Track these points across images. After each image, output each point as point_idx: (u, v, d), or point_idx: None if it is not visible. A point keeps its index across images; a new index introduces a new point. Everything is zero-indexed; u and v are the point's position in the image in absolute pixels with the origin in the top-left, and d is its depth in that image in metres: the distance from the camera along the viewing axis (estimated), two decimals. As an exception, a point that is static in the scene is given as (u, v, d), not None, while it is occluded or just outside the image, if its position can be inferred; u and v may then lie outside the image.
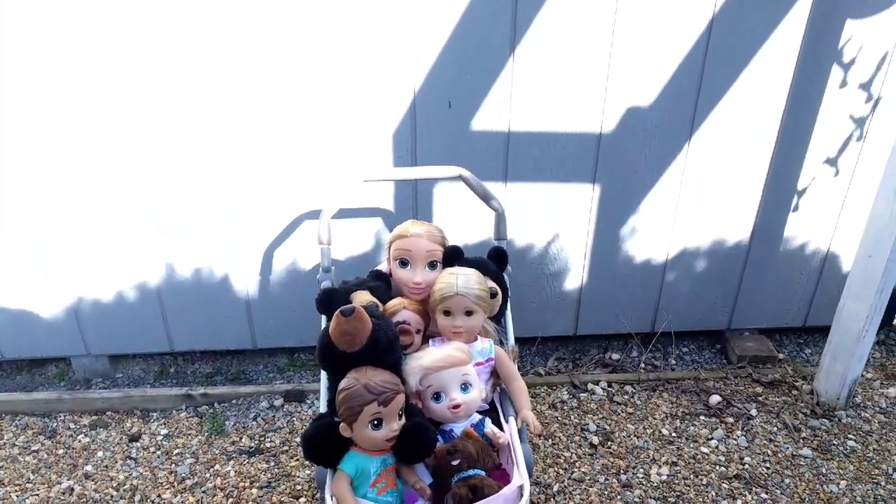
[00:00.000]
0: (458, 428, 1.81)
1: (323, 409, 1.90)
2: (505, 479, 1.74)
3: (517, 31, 2.45)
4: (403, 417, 1.69)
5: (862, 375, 3.00)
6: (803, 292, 3.11)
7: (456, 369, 1.81)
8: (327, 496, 1.62)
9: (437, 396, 1.81)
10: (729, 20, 2.50)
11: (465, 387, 1.82)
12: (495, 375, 2.02)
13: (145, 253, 2.73)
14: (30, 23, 2.30)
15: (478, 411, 1.89)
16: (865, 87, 2.63)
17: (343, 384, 1.65)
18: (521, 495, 1.63)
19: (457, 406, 1.79)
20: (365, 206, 2.70)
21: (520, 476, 1.68)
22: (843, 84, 2.62)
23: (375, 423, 1.62)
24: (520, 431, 1.87)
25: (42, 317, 2.83)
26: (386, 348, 1.74)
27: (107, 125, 2.48)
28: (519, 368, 2.04)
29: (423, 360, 1.81)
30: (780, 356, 3.18)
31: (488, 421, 1.86)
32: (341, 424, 1.64)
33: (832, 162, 2.77)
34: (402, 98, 2.53)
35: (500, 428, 1.88)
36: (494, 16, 2.43)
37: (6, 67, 2.36)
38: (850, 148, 2.75)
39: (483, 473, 1.70)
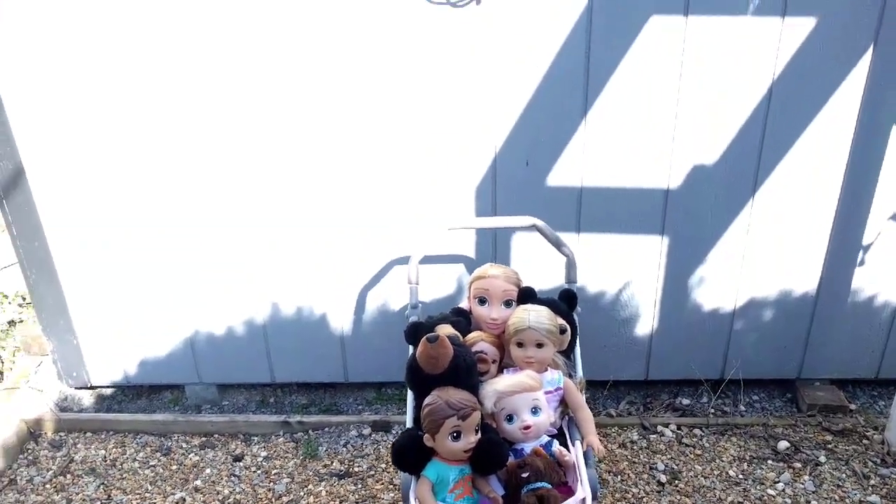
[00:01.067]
0: (528, 447, 2.02)
1: (409, 424, 2.15)
2: (569, 493, 1.93)
3: (588, 96, 2.72)
4: (480, 433, 1.92)
5: (935, 427, 3.03)
6: (874, 344, 3.17)
7: (527, 394, 2.03)
8: (412, 498, 1.86)
9: (509, 418, 2.03)
10: (788, 85, 2.69)
11: (535, 410, 2.03)
12: (564, 404, 2.22)
13: (254, 291, 3.08)
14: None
15: (547, 434, 2.10)
16: (927, 142, 2.75)
17: (427, 400, 1.90)
18: (584, 506, 1.82)
19: (527, 427, 2.01)
20: (450, 253, 2.98)
21: (583, 490, 1.87)
22: (905, 139, 2.75)
23: (455, 435, 1.86)
24: (585, 456, 2.06)
25: (163, 347, 3.20)
26: (465, 372, 1.98)
27: (225, 172, 2.87)
28: (590, 407, 2.23)
29: (498, 385, 2.04)
30: (852, 407, 3.23)
31: (556, 442, 2.06)
32: (425, 436, 1.89)
33: (896, 218, 2.88)
34: (484, 157, 2.82)
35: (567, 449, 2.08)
36: (569, 84, 2.70)
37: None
38: (916, 203, 2.86)
39: (549, 486, 1.90)
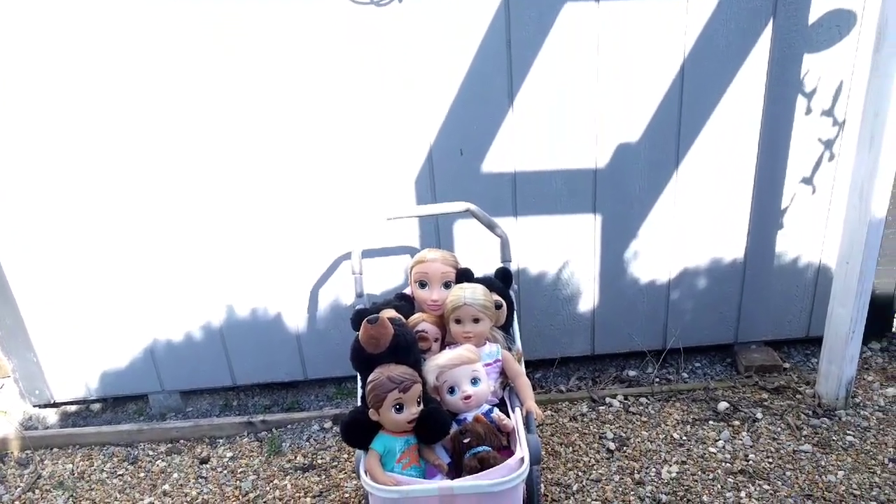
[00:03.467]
0: (470, 416, 2.15)
1: (359, 403, 2.27)
2: (510, 456, 2.07)
3: (513, 83, 2.86)
4: (422, 405, 2.04)
5: (863, 378, 3.22)
6: (801, 304, 3.36)
7: (466, 366, 2.16)
8: (361, 472, 1.97)
9: (451, 390, 2.16)
10: (698, 62, 2.87)
11: (474, 381, 2.16)
12: (504, 375, 2.36)
13: (209, 296, 3.17)
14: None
15: (488, 404, 2.23)
16: (828, 112, 2.94)
17: (370, 377, 2.02)
18: (521, 464, 1.94)
19: (468, 397, 2.14)
20: (396, 245, 3.10)
21: (521, 450, 2.00)
22: (808, 111, 2.94)
23: (398, 407, 1.98)
24: (527, 420, 2.19)
25: (123, 358, 3.27)
26: (405, 350, 2.11)
27: (173, 180, 2.96)
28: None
29: (439, 360, 2.18)
30: (786, 365, 3.41)
31: (496, 409, 2.20)
32: (370, 410, 2.01)
33: (808, 181, 3.06)
34: (419, 149, 2.95)
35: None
36: (495, 73, 2.84)
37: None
38: (823, 168, 3.04)
39: (490, 449, 2.03)
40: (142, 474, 3.07)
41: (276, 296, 3.20)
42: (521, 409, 2.21)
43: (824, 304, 3.26)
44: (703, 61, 2.87)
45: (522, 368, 2.36)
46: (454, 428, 2.10)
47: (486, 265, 3.03)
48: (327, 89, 2.83)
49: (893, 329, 3.55)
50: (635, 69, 2.87)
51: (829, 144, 3.02)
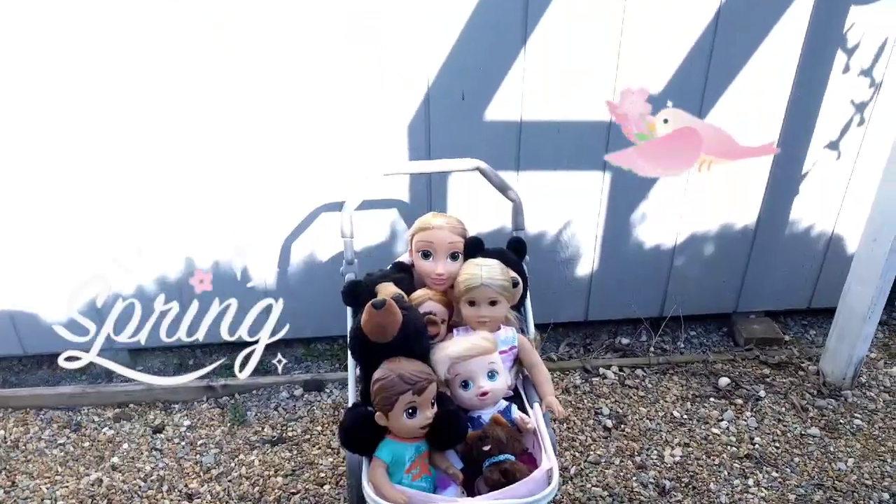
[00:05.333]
0: (485, 415, 1.87)
1: (352, 399, 1.96)
2: (532, 463, 1.80)
3: (528, 22, 2.49)
4: (436, 406, 1.74)
5: (866, 355, 3.08)
6: (808, 275, 3.18)
7: (483, 358, 1.86)
8: (365, 483, 1.68)
9: (465, 384, 1.86)
10: (736, 7, 2.55)
11: (491, 375, 1.87)
12: (518, 363, 2.08)
13: (165, 246, 2.77)
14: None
15: (503, 398, 1.95)
16: (867, 72, 2.69)
17: (378, 375, 1.71)
18: (550, 479, 1.68)
19: (484, 393, 1.85)
20: (381, 198, 2.74)
21: (548, 460, 1.73)
22: (846, 69, 2.68)
23: (410, 411, 1.68)
24: (544, 416, 1.93)
25: (64, 311, 2.86)
26: (416, 338, 1.79)
27: (126, 116, 2.52)
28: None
29: (451, 349, 1.86)
30: (786, 338, 3.26)
31: (515, 407, 1.92)
32: (377, 413, 1.70)
33: (834, 146, 2.83)
34: (416, 90, 2.57)
35: (524, 412, 1.95)
36: (508, 7, 2.46)
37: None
38: (850, 132, 2.81)
39: (513, 458, 1.76)
40: (86, 444, 2.72)
41: (242, 249, 2.82)
42: (541, 405, 1.94)
43: (832, 275, 3.11)
44: (742, 8, 2.54)
45: (539, 356, 2.08)
46: (469, 430, 1.81)
47: (483, 227, 2.74)
48: (313, 10, 2.40)
49: (896, 303, 3.42)
50: (665, 15, 2.53)
51: (861, 107, 2.77)
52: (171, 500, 2.46)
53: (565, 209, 2.88)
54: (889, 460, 2.60)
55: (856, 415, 2.81)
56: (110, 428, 2.80)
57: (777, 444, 2.67)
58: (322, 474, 2.56)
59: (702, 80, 2.66)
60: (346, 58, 2.49)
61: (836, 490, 2.48)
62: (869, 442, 2.69)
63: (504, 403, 1.92)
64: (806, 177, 2.91)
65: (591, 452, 2.64)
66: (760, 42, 2.61)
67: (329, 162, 2.66)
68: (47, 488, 2.51)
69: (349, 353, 1.90)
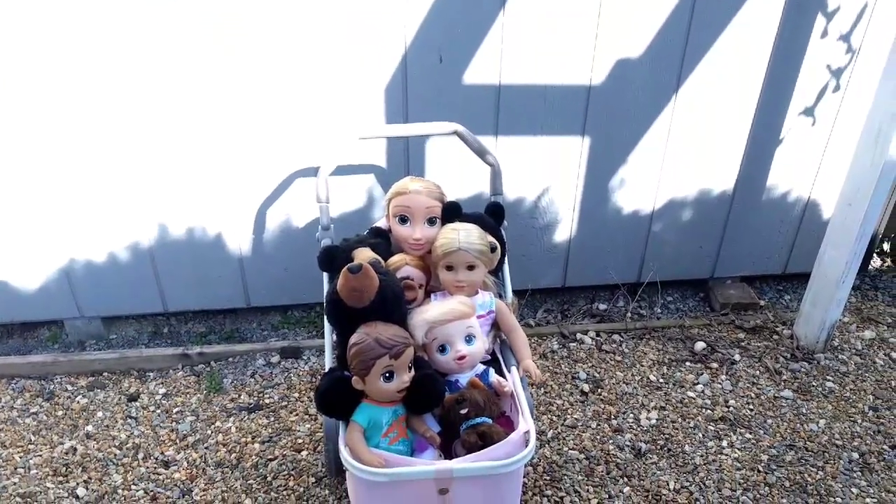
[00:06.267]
0: (463, 378, 1.87)
1: (329, 364, 1.94)
2: (509, 426, 1.81)
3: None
4: (413, 369, 1.74)
5: (839, 320, 3.11)
6: (784, 240, 3.19)
7: (460, 322, 1.86)
8: (341, 447, 1.67)
9: (442, 349, 1.86)
10: (717, -29, 2.53)
11: (469, 339, 1.87)
12: (496, 327, 2.07)
13: (137, 212, 2.71)
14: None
15: (481, 362, 1.95)
16: (845, 38, 2.67)
17: (354, 339, 1.69)
18: (527, 441, 1.69)
19: (462, 357, 1.85)
20: (358, 162, 2.70)
21: (525, 423, 1.74)
22: (825, 34, 2.66)
23: (387, 375, 1.67)
24: (521, 380, 1.93)
25: (34, 279, 2.81)
26: (393, 303, 1.78)
27: (94, 82, 2.44)
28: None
29: (428, 314, 1.85)
30: (762, 303, 3.28)
31: (492, 371, 1.92)
32: (354, 378, 1.69)
33: (809, 112, 2.83)
34: (393, 52, 2.52)
35: (502, 376, 1.95)
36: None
37: None
38: (826, 99, 2.81)
39: (490, 421, 1.76)
40: (60, 412, 2.69)
41: (216, 214, 2.77)
42: (518, 368, 1.94)
43: (807, 240, 3.13)
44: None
45: (517, 320, 2.07)
46: (446, 393, 1.81)
47: (461, 193, 2.72)
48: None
49: (869, 267, 3.45)
50: (646, -27, 2.50)
51: (837, 73, 2.76)
52: (147, 467, 2.44)
53: (544, 175, 2.85)
54: (859, 421, 2.64)
55: (828, 377, 2.85)
56: (84, 396, 2.76)
57: (751, 407, 2.70)
58: (299, 440, 2.55)
59: (682, 42, 2.63)
60: (320, 19, 2.42)
61: (808, 450, 2.52)
62: (840, 403, 2.73)
63: (481, 367, 1.92)
64: (783, 142, 2.91)
65: (568, 416, 2.66)
66: (742, 4, 2.58)
67: (305, 126, 2.60)
68: (20, 457, 2.47)
69: (325, 318, 1.88)
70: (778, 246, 3.21)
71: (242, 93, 2.52)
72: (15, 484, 2.36)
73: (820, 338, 2.92)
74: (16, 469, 2.43)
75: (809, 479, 2.40)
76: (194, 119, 2.55)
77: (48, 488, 2.35)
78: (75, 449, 2.52)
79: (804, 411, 2.69)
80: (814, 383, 2.82)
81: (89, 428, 2.61)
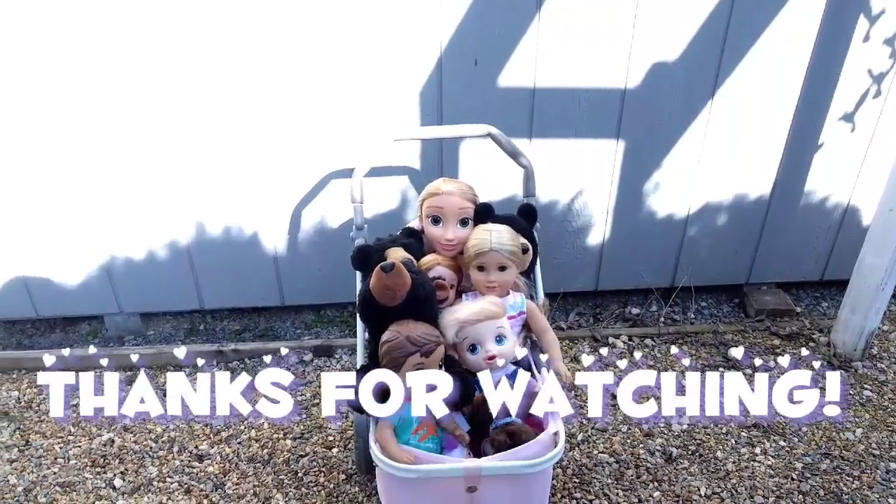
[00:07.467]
0: (493, 378, 1.87)
1: (360, 361, 1.97)
2: (539, 427, 1.81)
3: (543, -13, 2.46)
4: (444, 368, 1.75)
5: (878, 327, 3.05)
6: (822, 247, 3.14)
7: (491, 322, 1.86)
8: (372, 443, 1.69)
9: (472, 348, 1.87)
10: (755, -26, 2.50)
11: (499, 339, 1.88)
12: (526, 328, 2.08)
13: (176, 211, 2.77)
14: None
15: (511, 362, 1.96)
16: (889, 41, 2.63)
17: (386, 336, 1.71)
18: (556, 442, 1.69)
19: (492, 357, 1.85)
20: (392, 164, 2.73)
21: (554, 424, 1.74)
22: (867, 38, 2.62)
23: (418, 373, 1.69)
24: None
25: (76, 275, 2.89)
26: (424, 302, 1.80)
27: (136, 81, 2.51)
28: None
29: (460, 313, 1.86)
30: (798, 310, 3.24)
31: (522, 371, 1.92)
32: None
33: (849, 118, 2.78)
34: (428, 56, 2.54)
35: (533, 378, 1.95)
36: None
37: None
38: (866, 104, 2.76)
39: (519, 421, 1.77)
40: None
41: (253, 213, 2.82)
42: (549, 370, 1.94)
43: (846, 247, 3.08)
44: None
45: (548, 321, 2.08)
46: (476, 393, 1.82)
47: (494, 195, 2.72)
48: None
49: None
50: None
51: (879, 79, 2.72)
52: (182, 460, 2.49)
53: (578, 178, 2.85)
54: (898, 431, 2.60)
55: (865, 386, 2.80)
56: (122, 390, 2.82)
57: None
58: (330, 438, 2.58)
59: (719, 46, 2.61)
60: (359, 23, 2.46)
61: (843, 459, 2.47)
62: (878, 413, 2.68)
63: (512, 368, 1.92)
64: (822, 147, 2.87)
65: (599, 420, 2.65)
66: (781, 7, 2.55)
67: (340, 128, 2.64)
68: (60, 448, 2.54)
69: (358, 315, 1.90)
70: (816, 252, 3.16)
71: (280, 95, 2.57)
72: (55, 473, 2.43)
73: (858, 346, 2.87)
74: (55, 459, 2.49)
75: (845, 488, 2.36)
76: (233, 120, 2.60)
77: (86, 478, 2.42)
78: (113, 441, 2.58)
79: (840, 420, 2.64)
80: (851, 391, 2.77)
81: (126, 421, 2.67)
